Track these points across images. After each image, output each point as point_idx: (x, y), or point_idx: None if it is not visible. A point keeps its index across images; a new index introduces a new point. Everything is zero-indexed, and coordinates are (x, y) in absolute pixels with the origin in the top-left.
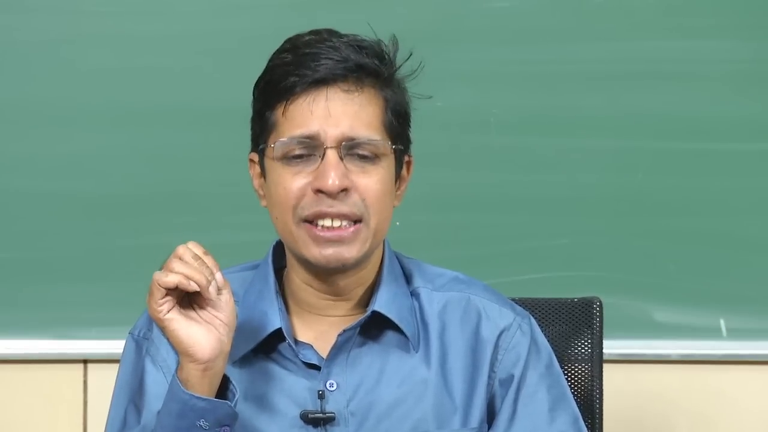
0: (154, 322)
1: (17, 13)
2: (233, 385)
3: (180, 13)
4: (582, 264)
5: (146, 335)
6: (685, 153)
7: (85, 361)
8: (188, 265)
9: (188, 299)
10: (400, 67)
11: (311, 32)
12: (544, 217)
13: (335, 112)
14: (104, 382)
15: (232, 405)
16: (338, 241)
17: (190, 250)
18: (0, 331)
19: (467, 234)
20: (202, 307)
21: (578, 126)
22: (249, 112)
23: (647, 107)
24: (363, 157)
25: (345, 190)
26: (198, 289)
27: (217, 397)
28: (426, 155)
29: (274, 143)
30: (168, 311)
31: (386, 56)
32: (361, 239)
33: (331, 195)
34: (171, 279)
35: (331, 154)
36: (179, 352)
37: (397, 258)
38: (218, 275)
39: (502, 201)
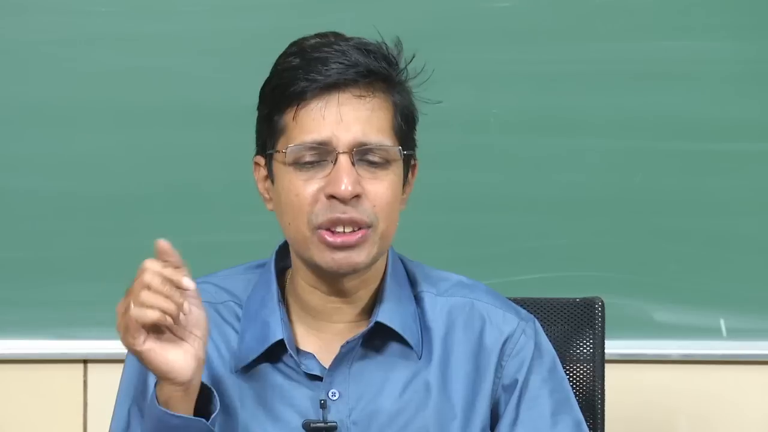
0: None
1: (17, 13)
2: (216, 398)
3: (180, 13)
4: (582, 264)
5: None
6: (685, 153)
7: (85, 361)
8: (158, 295)
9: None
10: (406, 67)
11: (317, 35)
12: (544, 217)
13: (347, 117)
14: (104, 382)
15: (209, 422)
16: (347, 247)
17: (156, 274)
18: (0, 331)
19: (467, 234)
20: (174, 324)
21: (578, 126)
22: (250, 112)
23: (647, 107)
24: (374, 163)
25: (357, 196)
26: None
27: (200, 407)
28: (426, 155)
29: (285, 149)
30: (144, 341)
31: (392, 59)
32: (369, 243)
33: (344, 201)
34: (150, 316)
35: (344, 160)
36: (158, 377)
37: (401, 261)
38: (190, 289)
39: (502, 201)
